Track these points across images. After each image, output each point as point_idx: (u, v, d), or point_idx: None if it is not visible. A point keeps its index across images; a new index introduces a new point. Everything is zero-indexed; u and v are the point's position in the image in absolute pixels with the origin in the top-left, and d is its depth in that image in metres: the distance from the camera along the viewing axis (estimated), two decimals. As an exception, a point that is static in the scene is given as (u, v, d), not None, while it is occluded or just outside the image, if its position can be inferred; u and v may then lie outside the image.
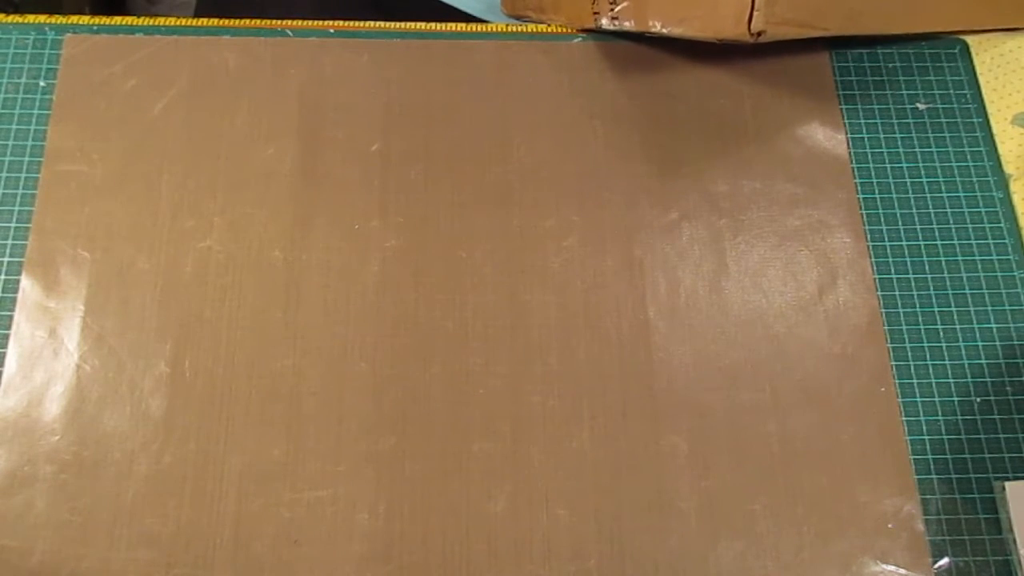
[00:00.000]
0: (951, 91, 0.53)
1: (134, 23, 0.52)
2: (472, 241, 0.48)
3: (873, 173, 0.51)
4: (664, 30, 0.47)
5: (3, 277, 0.46)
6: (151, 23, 0.53)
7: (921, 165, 0.51)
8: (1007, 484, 0.42)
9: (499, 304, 0.47)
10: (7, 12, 0.53)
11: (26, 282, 0.46)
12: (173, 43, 0.52)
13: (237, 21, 0.53)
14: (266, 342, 0.45)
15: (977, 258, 0.48)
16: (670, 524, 0.43)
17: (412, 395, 0.45)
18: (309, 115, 0.50)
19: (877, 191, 0.50)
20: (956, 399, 0.45)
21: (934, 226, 0.49)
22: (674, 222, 0.49)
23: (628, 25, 0.48)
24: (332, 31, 0.53)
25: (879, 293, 0.48)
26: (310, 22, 0.53)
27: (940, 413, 0.45)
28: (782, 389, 0.45)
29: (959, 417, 0.45)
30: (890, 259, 0.49)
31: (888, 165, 0.51)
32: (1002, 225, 0.49)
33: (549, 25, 0.54)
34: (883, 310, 0.47)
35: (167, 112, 0.50)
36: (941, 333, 0.47)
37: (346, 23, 0.53)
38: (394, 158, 0.50)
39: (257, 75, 0.51)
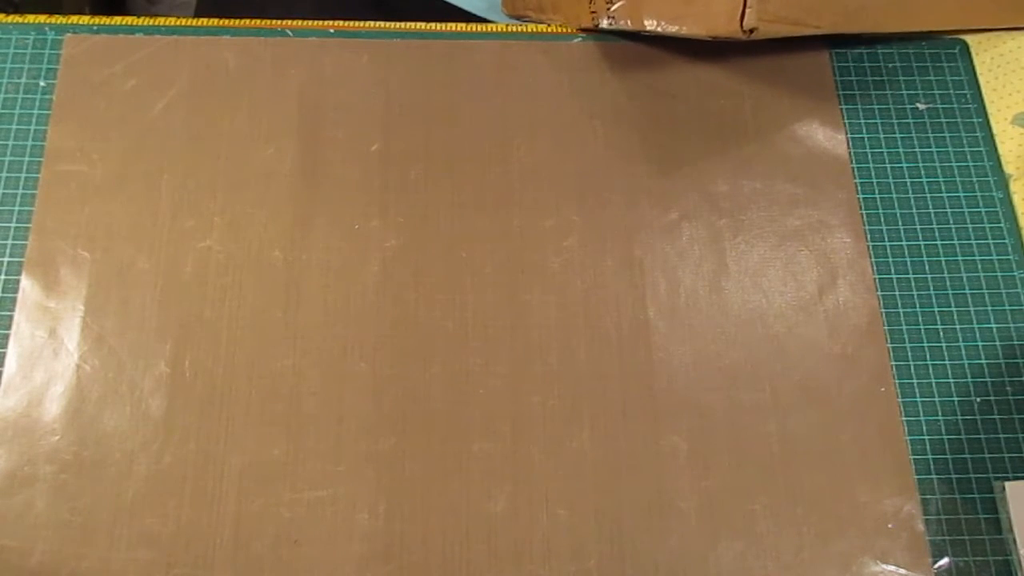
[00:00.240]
0: (951, 91, 0.53)
1: (134, 23, 0.52)
2: (472, 241, 0.48)
3: (873, 173, 0.51)
4: (659, 28, 0.47)
5: (3, 277, 0.46)
6: (151, 23, 0.53)
7: (921, 165, 0.51)
8: (1007, 484, 0.42)
9: (499, 304, 0.47)
10: (7, 12, 0.53)
11: (26, 282, 0.46)
12: (173, 43, 0.52)
13: (237, 21, 0.53)
14: (266, 342, 0.45)
15: (977, 258, 0.49)
16: (670, 524, 0.43)
17: (412, 395, 0.45)
18: (309, 115, 0.50)
19: (877, 191, 0.50)
20: (956, 399, 0.45)
21: (934, 226, 0.49)
22: (674, 222, 0.49)
23: (624, 24, 0.49)
24: (332, 31, 0.53)
25: (879, 293, 0.48)
26: (310, 22, 0.53)
27: (940, 413, 0.45)
28: (782, 389, 0.45)
29: (959, 417, 0.45)
30: (890, 259, 0.49)
31: (888, 165, 0.51)
32: (1002, 225, 0.49)
33: (549, 25, 0.54)
34: (883, 310, 0.47)
35: (167, 112, 0.50)
36: (941, 333, 0.47)
37: (346, 23, 0.53)
38: (394, 158, 0.50)
39: (257, 75, 0.51)
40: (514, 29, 0.54)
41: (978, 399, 0.45)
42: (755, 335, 0.46)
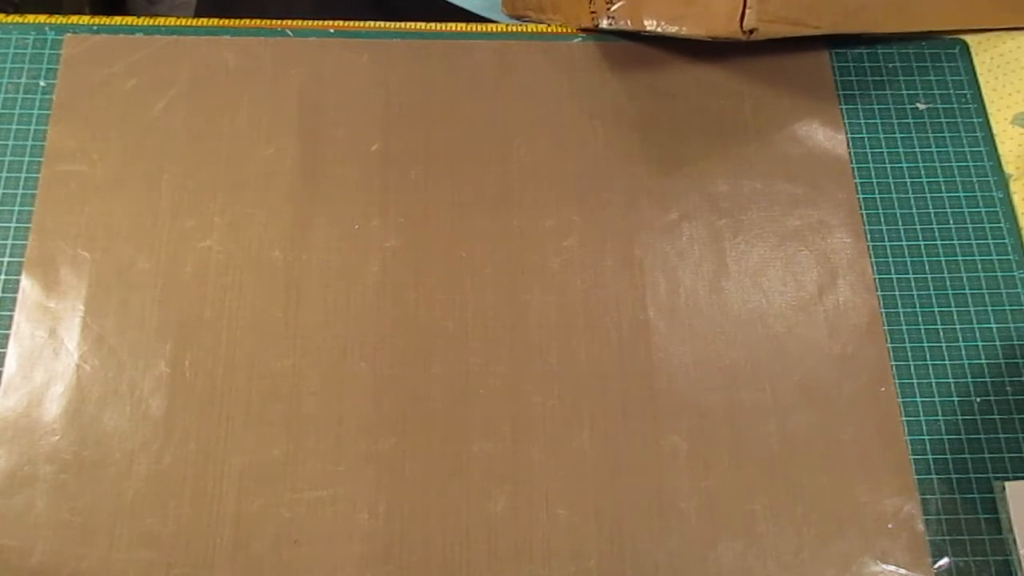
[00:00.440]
0: (951, 91, 0.53)
1: (134, 23, 0.52)
2: (472, 241, 0.48)
3: (873, 173, 0.51)
4: (659, 29, 0.47)
5: (3, 277, 0.46)
6: (151, 23, 0.53)
7: (921, 165, 0.51)
8: (1007, 484, 0.42)
9: (499, 304, 0.47)
10: (7, 12, 0.53)
11: (26, 282, 0.46)
12: (173, 43, 0.52)
13: (237, 21, 0.53)
14: (266, 342, 0.45)
15: (977, 258, 0.49)
16: (670, 524, 0.43)
17: (412, 395, 0.45)
18: (309, 115, 0.50)
19: (877, 191, 0.50)
20: (956, 399, 0.45)
21: (934, 226, 0.49)
22: (674, 222, 0.49)
23: (624, 24, 0.49)
24: (332, 31, 0.53)
25: (879, 293, 0.48)
26: (310, 22, 0.53)
27: (940, 413, 0.45)
28: (782, 389, 0.45)
29: (959, 417, 0.45)
30: (890, 259, 0.49)
31: (888, 165, 0.51)
32: (1002, 225, 0.49)
33: (549, 25, 0.54)
34: (883, 310, 0.47)
35: (167, 112, 0.50)
36: (941, 333, 0.47)
37: (346, 23, 0.53)
38: (394, 158, 0.50)
39: (257, 75, 0.51)
40: (514, 29, 0.54)
41: (978, 399, 0.45)
42: (755, 335, 0.46)
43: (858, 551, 0.42)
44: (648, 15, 0.47)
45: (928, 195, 0.50)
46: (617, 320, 0.46)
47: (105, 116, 0.50)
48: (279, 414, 0.44)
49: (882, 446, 0.44)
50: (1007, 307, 0.47)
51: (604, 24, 0.50)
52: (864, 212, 0.50)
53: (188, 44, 0.52)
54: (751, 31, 0.44)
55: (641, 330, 0.46)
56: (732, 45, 0.53)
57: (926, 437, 0.45)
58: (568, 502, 0.43)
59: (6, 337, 0.45)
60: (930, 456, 0.44)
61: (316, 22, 0.53)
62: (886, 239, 0.49)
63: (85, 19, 0.52)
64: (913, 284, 0.48)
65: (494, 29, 0.54)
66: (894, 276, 0.48)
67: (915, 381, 0.46)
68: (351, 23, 0.53)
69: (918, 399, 0.45)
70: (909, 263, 0.48)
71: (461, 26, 0.54)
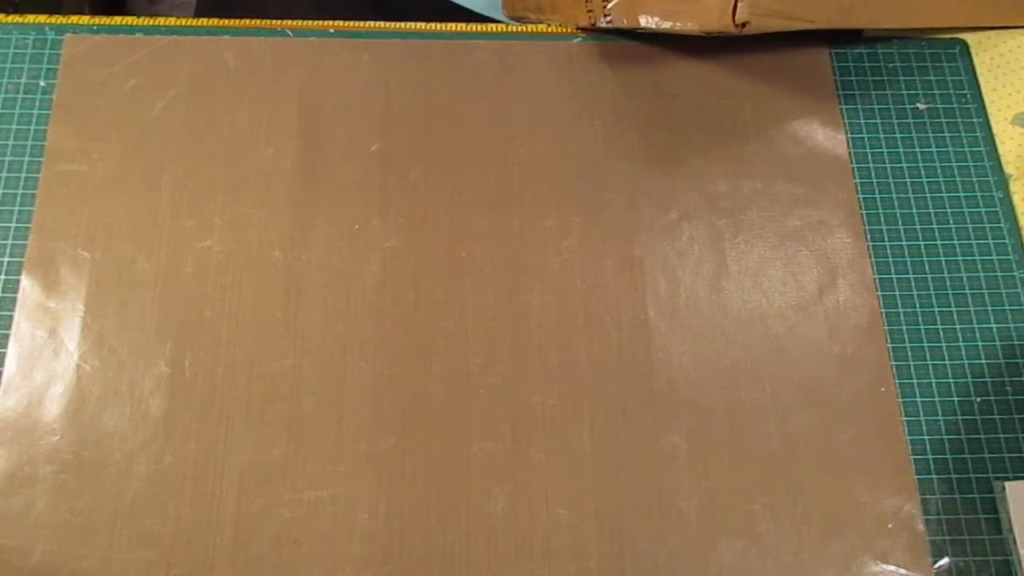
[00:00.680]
0: (951, 91, 0.53)
1: (134, 23, 0.53)
2: (472, 241, 0.48)
3: (873, 173, 0.51)
4: (654, 25, 0.47)
5: (3, 277, 0.46)
6: (151, 23, 0.53)
7: (921, 165, 0.51)
8: (1007, 484, 0.42)
9: (499, 304, 0.47)
10: (7, 12, 0.53)
11: (26, 282, 0.46)
12: (173, 43, 0.52)
13: (237, 21, 0.53)
14: (266, 342, 0.45)
15: (977, 258, 0.48)
16: (670, 524, 0.43)
17: (412, 395, 0.45)
18: (309, 115, 0.50)
19: (877, 191, 0.50)
20: (956, 399, 0.45)
21: (934, 226, 0.49)
22: (674, 222, 0.49)
23: (620, 22, 0.49)
24: (332, 31, 0.53)
25: (879, 293, 0.48)
26: (310, 22, 0.53)
27: (940, 413, 0.45)
28: (782, 389, 0.45)
29: (959, 417, 0.45)
30: (890, 259, 0.49)
31: (888, 165, 0.51)
32: (1002, 225, 0.49)
33: (549, 25, 0.54)
34: (883, 310, 0.47)
35: (167, 112, 0.50)
36: (941, 333, 0.47)
37: (346, 23, 0.53)
38: (394, 158, 0.50)
39: (257, 75, 0.51)
40: (514, 29, 0.54)
41: (978, 399, 0.45)
42: (755, 335, 0.46)
43: (858, 551, 0.42)
44: (643, 12, 0.48)
45: (928, 195, 0.50)
46: (617, 320, 0.46)
47: (105, 116, 0.50)
48: (279, 414, 0.44)
49: (882, 446, 0.44)
50: (1007, 307, 0.47)
51: (601, 23, 0.50)
52: (864, 212, 0.50)
53: (188, 44, 0.52)
54: (743, 24, 0.44)
55: (641, 330, 0.46)
56: (732, 44, 0.53)
57: (926, 437, 0.45)
58: (568, 502, 0.43)
59: (6, 337, 0.45)
60: (930, 456, 0.44)
61: (316, 22, 0.53)
62: (886, 239, 0.49)
63: (85, 19, 0.52)
64: (913, 284, 0.48)
65: (494, 29, 0.54)
66: (894, 276, 0.48)
67: (915, 381, 0.46)
68: (351, 23, 0.53)
69: (918, 399, 0.45)
70: (909, 263, 0.48)
71: (461, 26, 0.54)
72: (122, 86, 0.50)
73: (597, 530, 0.42)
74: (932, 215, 0.50)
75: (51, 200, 0.48)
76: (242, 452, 0.43)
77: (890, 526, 0.43)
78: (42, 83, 0.50)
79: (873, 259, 0.48)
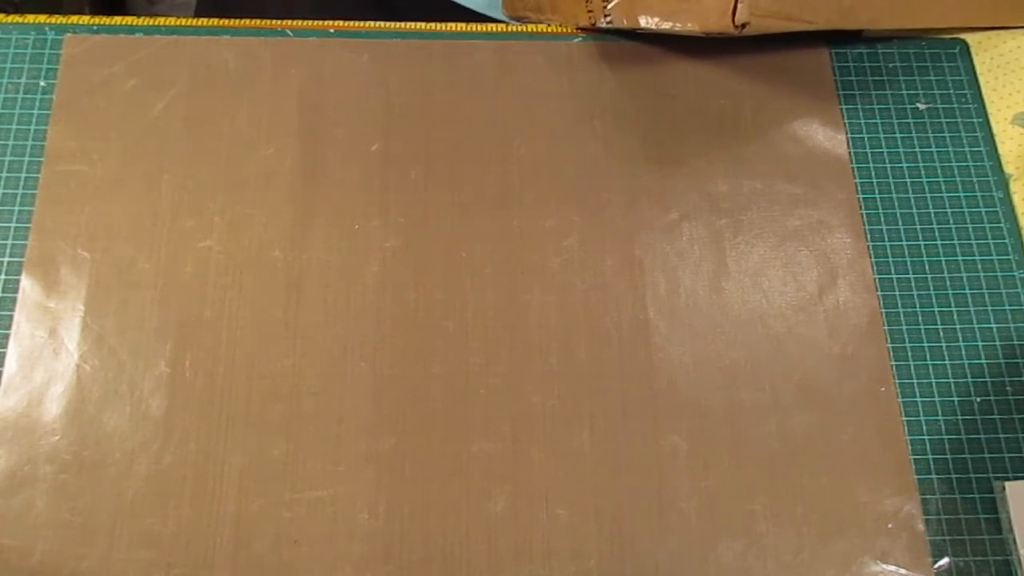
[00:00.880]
0: (951, 91, 0.53)
1: (134, 23, 0.53)
2: (472, 241, 0.48)
3: (873, 173, 0.51)
4: (654, 26, 0.47)
5: (3, 277, 0.46)
6: (151, 23, 0.53)
7: (921, 165, 0.51)
8: (1007, 484, 0.42)
9: (499, 304, 0.47)
10: (7, 12, 0.53)
11: (26, 282, 0.46)
12: (173, 43, 0.52)
13: (237, 21, 0.53)
14: (266, 342, 0.45)
15: (977, 258, 0.48)
16: (670, 524, 0.43)
17: (412, 395, 0.45)
18: (309, 115, 0.50)
19: (877, 191, 0.50)
20: (956, 399, 0.45)
21: (934, 226, 0.49)
22: (674, 222, 0.49)
23: (620, 23, 0.49)
24: (332, 31, 0.53)
25: (879, 293, 0.48)
26: (310, 22, 0.53)
27: (940, 413, 0.45)
28: (782, 389, 0.45)
29: (959, 417, 0.45)
30: (890, 259, 0.49)
31: (888, 165, 0.51)
32: (1002, 225, 0.49)
33: (549, 25, 0.54)
34: (883, 310, 0.47)
35: (167, 112, 0.50)
36: (941, 333, 0.47)
37: (346, 23, 0.53)
38: (394, 158, 0.50)
39: (257, 75, 0.51)
40: (514, 29, 0.54)
41: (978, 399, 0.45)
42: (755, 335, 0.46)
43: (858, 551, 0.42)
44: (643, 13, 0.48)
45: (928, 195, 0.50)
46: (617, 320, 0.46)
47: (105, 116, 0.50)
48: (279, 414, 0.44)
49: (882, 446, 0.44)
50: (1007, 307, 0.47)
51: (601, 23, 0.50)
52: (864, 212, 0.50)
53: (188, 44, 0.52)
54: (743, 25, 0.44)
55: (641, 330, 0.46)
56: (732, 44, 0.53)
57: (926, 437, 0.45)
58: (568, 502, 0.43)
59: (6, 337, 0.45)
60: (930, 456, 0.44)
61: (316, 22, 0.53)
62: (886, 239, 0.49)
63: (85, 19, 0.52)
64: (913, 284, 0.48)
65: (494, 29, 0.54)
66: (894, 276, 0.48)
67: (915, 381, 0.46)
68: (351, 23, 0.53)
69: (918, 399, 0.45)
70: (909, 263, 0.48)
71: (461, 26, 0.54)
72: (122, 86, 0.50)
73: (597, 530, 0.42)
74: (932, 215, 0.50)
75: (51, 200, 0.48)
76: (242, 452, 0.43)
77: (890, 526, 0.43)
78: (42, 83, 0.50)
79: (873, 259, 0.48)
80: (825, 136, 0.51)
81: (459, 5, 0.60)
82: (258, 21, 0.53)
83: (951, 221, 0.49)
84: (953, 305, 0.47)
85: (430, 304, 0.46)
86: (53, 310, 0.45)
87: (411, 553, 0.42)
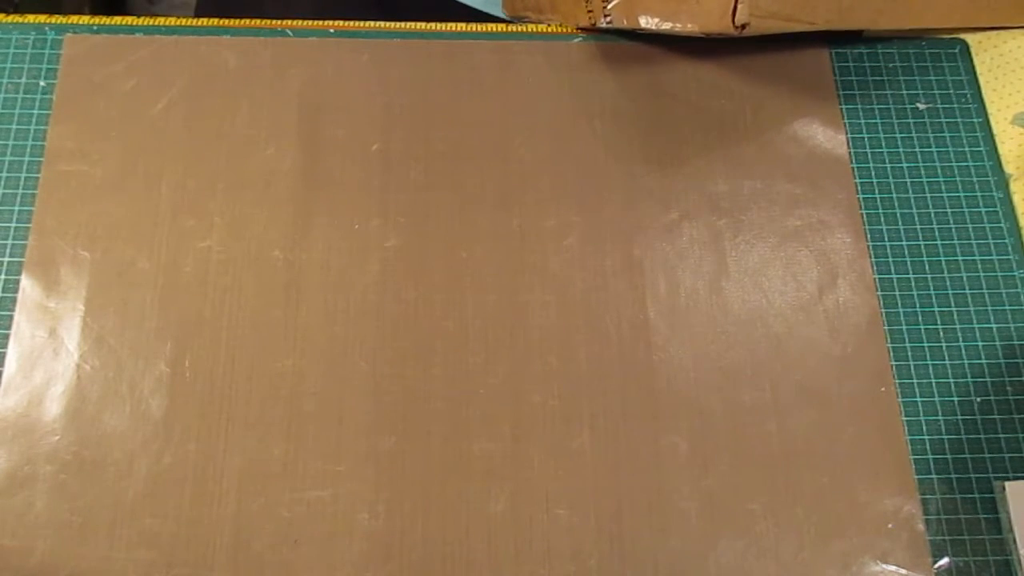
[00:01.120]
0: (951, 91, 0.53)
1: (134, 23, 0.53)
2: (472, 241, 0.48)
3: (873, 173, 0.51)
4: (654, 26, 0.47)
5: (3, 277, 0.46)
6: (151, 23, 0.53)
7: (921, 165, 0.51)
8: (1007, 484, 0.42)
9: (499, 304, 0.47)
10: (7, 12, 0.53)
11: (26, 282, 0.46)
12: (173, 43, 0.52)
13: (237, 21, 0.53)
14: (266, 342, 0.45)
15: (977, 258, 0.48)
16: (670, 524, 0.43)
17: (412, 395, 0.45)
18: (309, 115, 0.50)
19: (877, 191, 0.50)
20: (956, 399, 0.45)
21: (934, 226, 0.49)
22: (674, 222, 0.49)
23: (620, 23, 0.49)
24: (332, 31, 0.53)
25: (879, 293, 0.48)
26: (310, 22, 0.53)
27: (940, 413, 0.45)
28: (782, 389, 0.45)
29: (959, 417, 0.45)
30: (890, 259, 0.49)
31: (888, 165, 0.51)
32: (1002, 225, 0.49)
33: (549, 25, 0.54)
34: (883, 310, 0.47)
35: (167, 112, 0.50)
36: (941, 333, 0.47)
37: (346, 23, 0.53)
38: (394, 158, 0.50)
39: (257, 75, 0.51)
40: (514, 29, 0.54)
41: (978, 399, 0.45)
42: (755, 335, 0.46)
43: (858, 551, 0.42)
44: (643, 13, 0.48)
45: (928, 195, 0.50)
46: (617, 320, 0.46)
47: (105, 116, 0.50)
48: (279, 414, 0.44)
49: (882, 446, 0.44)
50: (1007, 307, 0.47)
51: (601, 23, 0.50)
52: (864, 212, 0.50)
53: (188, 44, 0.52)
54: (743, 26, 0.44)
55: (641, 330, 0.46)
56: (732, 45, 0.53)
57: (926, 437, 0.45)
58: (568, 502, 0.43)
59: (6, 337, 0.45)
60: (930, 456, 0.44)
61: (316, 22, 0.53)
62: (886, 239, 0.49)
63: (85, 19, 0.52)
64: (913, 284, 0.48)
65: (494, 29, 0.54)
66: (894, 276, 0.48)
67: (915, 381, 0.46)
68: (351, 23, 0.53)
69: (918, 399, 0.45)
70: (909, 263, 0.48)
71: (461, 26, 0.54)
72: (122, 86, 0.50)
73: (597, 530, 0.42)
74: (932, 215, 0.50)
75: (51, 200, 0.48)
76: (242, 452, 0.43)
77: (890, 526, 0.43)
78: (42, 83, 0.50)
79: (873, 259, 0.48)
80: (825, 136, 0.51)
81: (459, 4, 0.60)
82: (258, 21, 0.53)
83: (951, 221, 0.49)
84: (953, 305, 0.47)
85: (430, 304, 0.46)
86: (53, 310, 0.45)
87: (411, 553, 0.42)
